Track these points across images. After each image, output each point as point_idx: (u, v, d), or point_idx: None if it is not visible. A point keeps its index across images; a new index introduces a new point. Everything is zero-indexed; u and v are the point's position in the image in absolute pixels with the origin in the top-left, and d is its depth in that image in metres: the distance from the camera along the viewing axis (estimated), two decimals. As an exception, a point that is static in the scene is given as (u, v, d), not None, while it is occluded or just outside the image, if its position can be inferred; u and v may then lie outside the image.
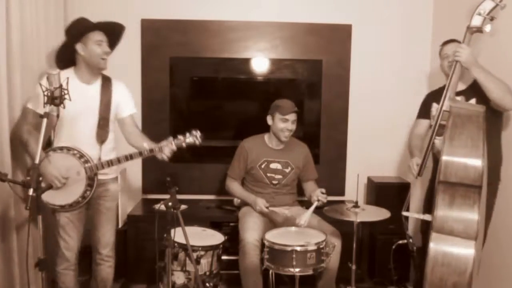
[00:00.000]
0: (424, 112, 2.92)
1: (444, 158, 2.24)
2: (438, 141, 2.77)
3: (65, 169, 2.47)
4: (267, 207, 2.93)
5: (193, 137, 2.63)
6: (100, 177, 2.58)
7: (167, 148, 2.54)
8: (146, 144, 2.56)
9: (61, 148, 2.51)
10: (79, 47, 2.54)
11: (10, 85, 2.65)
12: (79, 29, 2.55)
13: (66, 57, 2.61)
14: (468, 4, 2.58)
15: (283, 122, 3.01)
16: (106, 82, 2.66)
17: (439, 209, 2.30)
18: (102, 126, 2.60)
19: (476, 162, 2.22)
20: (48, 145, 2.63)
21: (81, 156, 2.51)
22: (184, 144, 2.60)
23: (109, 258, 2.75)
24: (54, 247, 2.64)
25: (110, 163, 2.55)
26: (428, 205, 2.73)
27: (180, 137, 2.61)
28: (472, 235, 2.23)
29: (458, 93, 2.64)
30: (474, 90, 2.58)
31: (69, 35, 2.61)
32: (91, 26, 2.56)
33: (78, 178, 2.49)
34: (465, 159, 2.23)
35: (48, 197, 2.45)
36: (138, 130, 2.75)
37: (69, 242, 2.61)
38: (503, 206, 2.61)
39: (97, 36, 2.54)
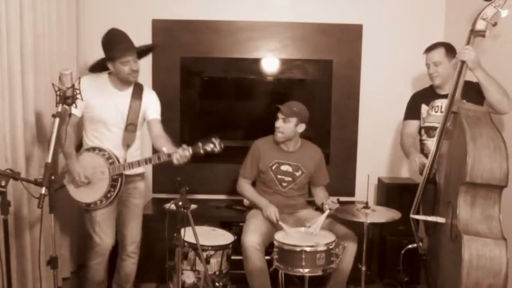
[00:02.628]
0: (412, 113, 2.95)
1: (470, 159, 2.22)
2: (430, 142, 2.77)
3: (91, 168, 2.61)
4: (277, 219, 2.86)
5: (212, 144, 2.60)
6: (127, 172, 2.67)
7: (177, 154, 2.51)
8: (165, 149, 2.58)
9: (94, 149, 2.65)
10: (109, 64, 2.64)
11: (24, 85, 2.69)
12: (108, 53, 2.60)
13: (99, 64, 2.69)
14: (480, 5, 2.57)
15: (281, 121, 2.99)
16: (138, 90, 2.77)
17: (461, 211, 2.29)
18: (129, 131, 2.71)
19: (502, 163, 2.22)
20: (80, 145, 2.77)
21: (109, 157, 2.63)
22: (202, 151, 2.57)
23: (134, 255, 2.88)
24: (88, 242, 2.74)
25: (131, 166, 2.64)
26: (426, 206, 2.71)
27: (199, 144, 2.58)
28: (498, 235, 2.23)
29: (447, 96, 2.66)
30: (464, 93, 2.60)
31: (103, 50, 2.65)
32: (119, 54, 2.58)
33: (102, 177, 2.61)
34: (490, 160, 2.22)
35: (76, 194, 2.64)
36: (164, 134, 2.77)
37: (105, 239, 2.70)
38: (503, 208, 2.56)
39: (126, 57, 2.59)
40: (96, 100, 2.63)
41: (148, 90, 2.84)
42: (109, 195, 2.63)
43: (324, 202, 2.94)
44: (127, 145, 2.71)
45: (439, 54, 2.78)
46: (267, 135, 3.16)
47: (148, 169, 3.78)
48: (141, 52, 2.74)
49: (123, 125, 2.70)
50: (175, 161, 2.51)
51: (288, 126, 2.99)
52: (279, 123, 3.00)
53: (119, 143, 2.70)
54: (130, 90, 2.74)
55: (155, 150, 2.80)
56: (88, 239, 2.73)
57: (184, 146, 2.53)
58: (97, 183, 2.61)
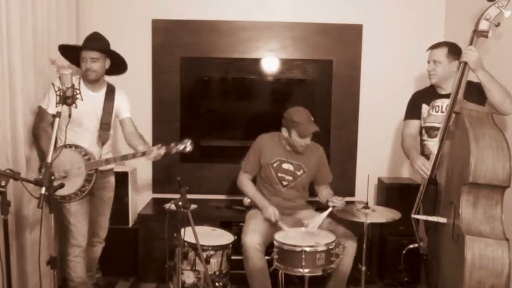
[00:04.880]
0: (412, 112, 2.94)
1: (473, 160, 2.22)
2: (431, 143, 2.77)
3: (69, 163, 2.72)
4: (277, 221, 2.85)
5: (183, 144, 2.86)
6: (101, 168, 2.84)
7: (153, 153, 2.77)
8: (141, 147, 2.84)
9: (70, 146, 2.74)
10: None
11: (24, 85, 2.69)
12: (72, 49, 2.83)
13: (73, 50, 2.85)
14: (480, 5, 2.57)
15: (301, 138, 2.93)
16: (110, 91, 2.92)
17: (464, 211, 2.28)
18: (104, 130, 2.86)
19: (505, 163, 2.21)
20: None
21: (86, 154, 2.74)
22: (174, 150, 2.84)
23: (103, 240, 3.07)
24: (64, 237, 2.83)
25: (107, 162, 2.81)
26: (427, 206, 2.71)
27: (172, 144, 2.84)
28: (500, 236, 2.23)
29: (447, 96, 2.66)
30: (466, 93, 2.58)
31: None
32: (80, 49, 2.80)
33: (78, 172, 2.72)
34: (493, 160, 2.22)
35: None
36: (137, 132, 2.96)
37: (80, 228, 2.80)
38: (505, 208, 2.56)
39: (82, 54, 2.78)
40: None
41: (119, 90, 2.96)
42: (83, 189, 2.73)
43: (328, 199, 2.91)
44: (102, 143, 2.86)
45: (441, 54, 2.76)
46: (269, 132, 3.13)
47: (148, 169, 3.80)
48: (115, 65, 2.88)
49: (98, 125, 2.84)
50: (152, 159, 2.81)
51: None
52: (309, 141, 2.97)
53: (94, 141, 2.83)
54: (103, 91, 2.88)
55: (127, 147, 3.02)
56: (66, 233, 2.81)
57: (159, 145, 2.80)
58: (73, 177, 2.72)
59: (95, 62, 2.76)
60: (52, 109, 2.69)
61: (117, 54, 2.86)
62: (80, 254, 2.81)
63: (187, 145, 2.85)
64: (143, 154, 2.77)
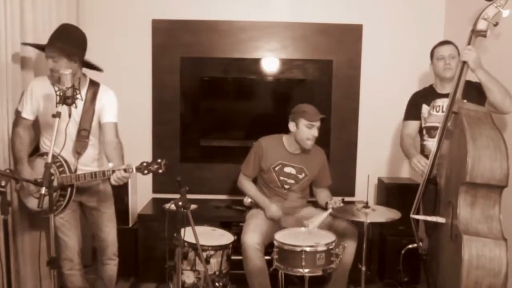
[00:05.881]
0: (412, 113, 2.94)
1: (470, 159, 2.22)
2: (430, 142, 2.77)
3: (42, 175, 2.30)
4: (279, 217, 2.88)
5: (156, 165, 2.34)
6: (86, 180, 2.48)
7: (119, 174, 2.32)
8: (111, 164, 2.41)
9: (42, 154, 2.53)
10: None
11: (23, 85, 2.70)
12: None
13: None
14: (480, 5, 2.57)
15: (309, 129, 2.92)
16: (93, 91, 2.58)
17: (461, 211, 2.29)
18: (81, 138, 2.54)
19: (502, 163, 2.22)
20: (37, 149, 2.63)
21: (61, 165, 2.46)
22: (146, 171, 2.33)
23: (115, 257, 2.81)
24: (58, 250, 2.61)
25: (77, 178, 2.44)
26: (427, 206, 2.71)
27: (144, 163, 2.35)
28: (498, 236, 2.23)
29: (447, 95, 2.65)
30: (465, 92, 2.59)
31: None
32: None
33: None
34: (490, 160, 2.22)
35: (27, 199, 2.54)
36: (116, 141, 2.58)
37: (68, 242, 2.61)
38: (503, 208, 2.56)
39: (45, 51, 2.46)
40: (48, 103, 2.46)
41: (105, 89, 2.62)
42: (58, 204, 2.47)
43: (328, 202, 2.94)
44: (77, 152, 2.53)
45: (453, 48, 2.80)
46: (270, 135, 3.14)
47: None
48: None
49: (75, 130, 2.52)
50: (113, 182, 2.36)
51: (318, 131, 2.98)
52: (317, 132, 2.95)
53: (70, 150, 2.52)
54: (83, 91, 2.53)
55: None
56: (59, 248, 2.60)
57: (129, 164, 2.35)
58: None
59: (56, 62, 2.41)
60: (26, 113, 2.53)
61: (80, 54, 2.49)
62: (74, 267, 2.62)
63: (161, 165, 2.34)
64: (113, 172, 2.33)
